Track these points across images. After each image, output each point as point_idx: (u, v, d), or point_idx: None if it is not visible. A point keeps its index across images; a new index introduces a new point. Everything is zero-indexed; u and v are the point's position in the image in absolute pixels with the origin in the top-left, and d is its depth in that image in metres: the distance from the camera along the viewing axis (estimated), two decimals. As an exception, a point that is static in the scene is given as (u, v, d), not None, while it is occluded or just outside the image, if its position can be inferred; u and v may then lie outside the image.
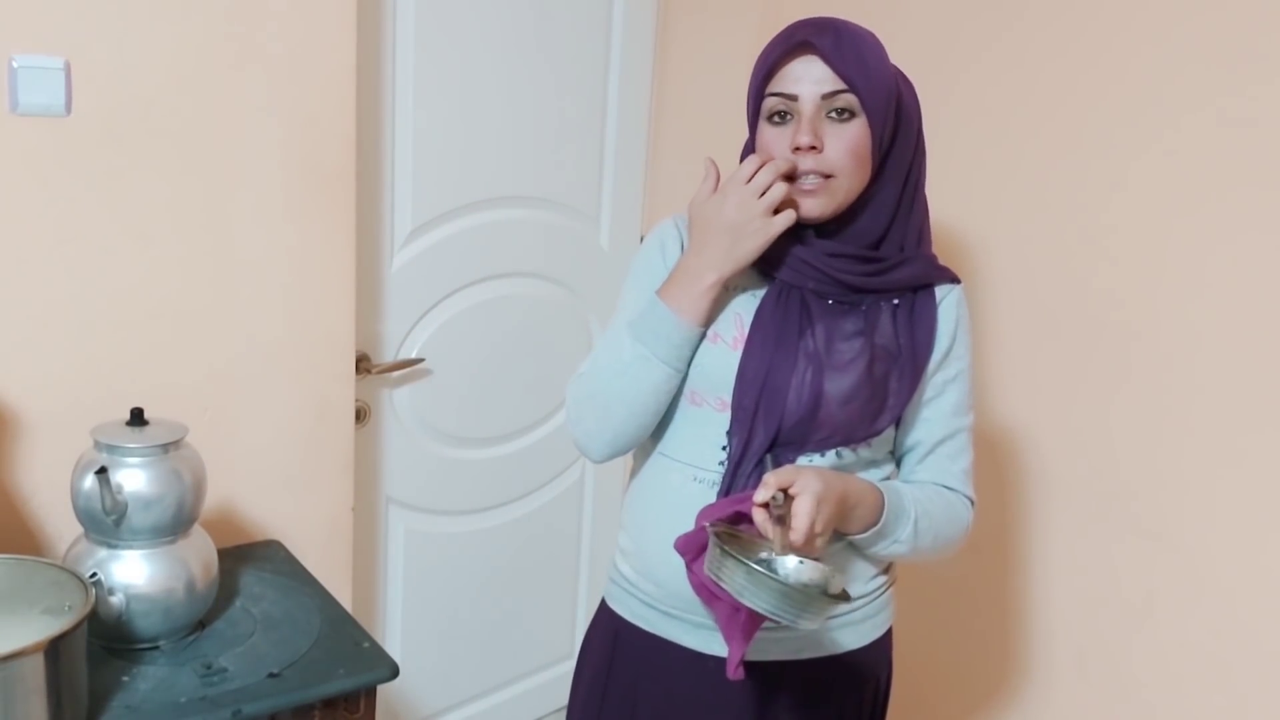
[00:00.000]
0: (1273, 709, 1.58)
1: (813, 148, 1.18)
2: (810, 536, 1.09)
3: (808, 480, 1.10)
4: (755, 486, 1.14)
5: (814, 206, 1.22)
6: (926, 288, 1.28)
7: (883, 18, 1.44)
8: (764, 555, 1.11)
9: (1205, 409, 1.61)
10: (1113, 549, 1.75)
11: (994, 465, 1.87)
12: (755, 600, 1.02)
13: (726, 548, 1.05)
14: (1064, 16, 1.74)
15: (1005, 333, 1.86)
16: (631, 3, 2.16)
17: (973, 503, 1.33)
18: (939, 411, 1.29)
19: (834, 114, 1.19)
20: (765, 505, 1.10)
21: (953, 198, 1.87)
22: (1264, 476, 1.56)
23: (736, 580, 1.03)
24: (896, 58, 1.25)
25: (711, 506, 1.22)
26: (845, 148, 1.19)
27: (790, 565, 1.10)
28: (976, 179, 1.87)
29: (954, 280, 1.31)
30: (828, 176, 1.20)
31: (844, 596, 1.07)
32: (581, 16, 2.09)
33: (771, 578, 1.02)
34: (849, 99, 1.18)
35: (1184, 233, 1.61)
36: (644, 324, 1.25)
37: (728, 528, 1.16)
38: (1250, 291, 1.55)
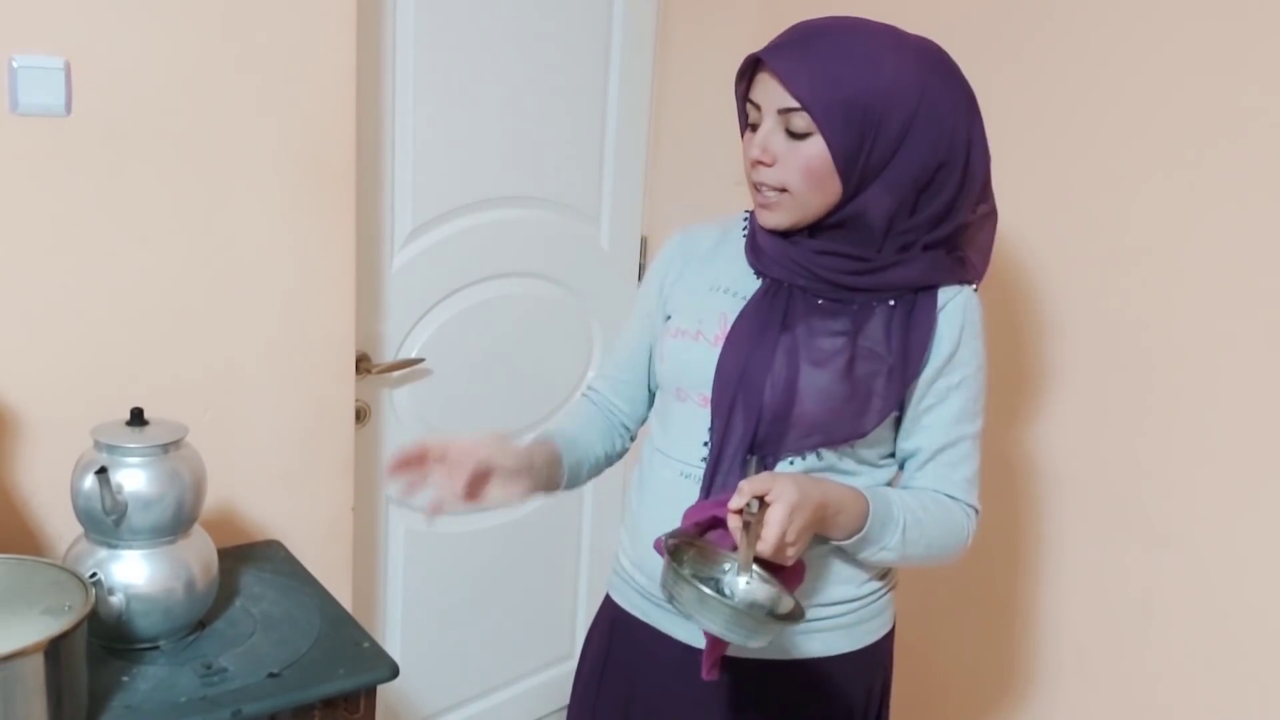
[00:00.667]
0: (1273, 709, 1.58)
1: (761, 162, 1.19)
2: (780, 545, 1.07)
3: (783, 488, 1.08)
4: (735, 487, 1.13)
5: (770, 219, 1.23)
6: (929, 289, 1.24)
7: (888, 16, 1.43)
8: (726, 566, 1.11)
9: (1210, 412, 1.61)
10: (1117, 551, 1.75)
11: (1000, 467, 1.87)
12: (702, 620, 1.02)
13: (677, 566, 1.04)
14: (1075, 23, 1.73)
15: (1008, 333, 1.86)
16: (631, 3, 2.16)
17: (976, 511, 1.30)
18: (940, 418, 1.26)
19: (789, 130, 1.18)
20: (740, 512, 1.09)
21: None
22: (1267, 479, 1.56)
23: (685, 599, 1.02)
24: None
25: (692, 510, 1.21)
26: (796, 167, 1.18)
27: (740, 586, 1.08)
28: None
29: (964, 282, 1.26)
30: (781, 191, 1.20)
31: (794, 616, 1.06)
32: (581, 17, 2.09)
33: (718, 599, 1.01)
34: (802, 118, 1.16)
35: (1198, 238, 1.60)
36: None
37: (689, 537, 1.15)
38: (1261, 298, 1.54)
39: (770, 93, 1.18)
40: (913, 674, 1.93)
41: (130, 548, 1.31)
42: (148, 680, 1.28)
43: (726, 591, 1.08)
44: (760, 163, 1.19)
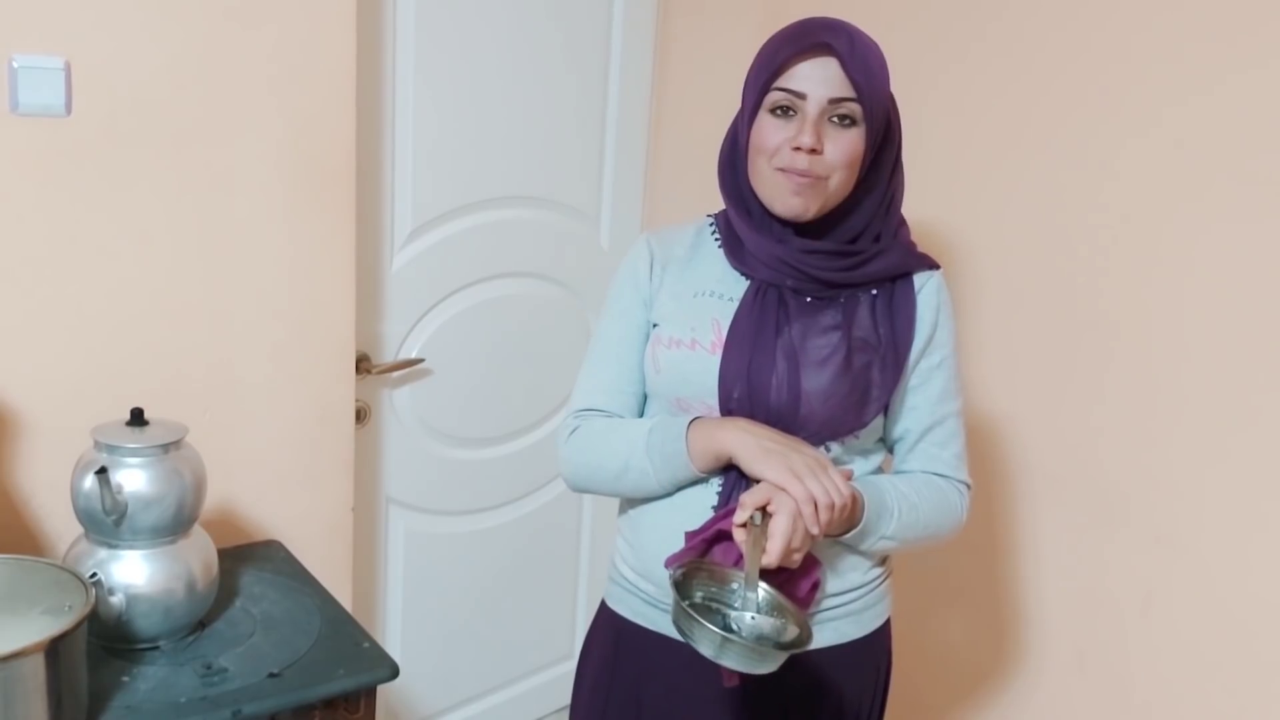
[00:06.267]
0: (1271, 707, 1.58)
1: (814, 150, 1.19)
2: (787, 553, 1.12)
3: (782, 499, 1.13)
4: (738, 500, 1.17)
5: (799, 206, 1.23)
6: (905, 276, 1.29)
7: (870, 14, 1.44)
8: (734, 586, 1.15)
9: (1199, 406, 1.61)
10: (1109, 547, 1.75)
11: (987, 462, 1.87)
12: (717, 657, 1.05)
13: (684, 605, 1.07)
14: (1047, 10, 1.74)
15: (997, 329, 1.86)
16: (631, 3, 2.16)
17: (969, 486, 1.34)
18: (925, 399, 1.30)
19: (836, 119, 1.20)
20: (744, 525, 1.13)
21: (942, 193, 1.87)
22: (1259, 474, 1.56)
23: (697, 637, 1.06)
24: (897, 58, 1.25)
25: (694, 533, 1.23)
26: (842, 154, 1.21)
27: (746, 620, 1.13)
28: (966, 174, 1.87)
29: (933, 267, 1.32)
30: (820, 178, 1.21)
31: (798, 643, 1.10)
32: (581, 16, 2.09)
33: (725, 636, 1.05)
34: (853, 107, 1.19)
35: (1174, 228, 1.61)
36: (660, 443, 1.26)
37: (695, 561, 1.19)
38: (1242, 287, 1.55)
39: (823, 80, 1.19)
40: (906, 667, 1.93)
41: (130, 548, 1.31)
42: (148, 680, 1.28)
43: (734, 626, 1.12)
44: (813, 150, 1.20)
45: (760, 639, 1.11)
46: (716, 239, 1.35)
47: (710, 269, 1.33)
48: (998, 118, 1.84)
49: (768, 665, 1.06)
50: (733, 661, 1.05)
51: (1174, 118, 1.61)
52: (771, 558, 1.11)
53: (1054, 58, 1.75)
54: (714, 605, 1.15)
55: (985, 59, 1.85)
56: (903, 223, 1.33)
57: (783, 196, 1.23)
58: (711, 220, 1.38)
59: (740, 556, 1.15)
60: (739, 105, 1.29)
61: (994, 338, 1.87)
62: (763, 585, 1.13)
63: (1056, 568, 1.83)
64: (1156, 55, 1.62)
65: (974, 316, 1.88)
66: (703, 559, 1.21)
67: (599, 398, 1.35)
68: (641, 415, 1.37)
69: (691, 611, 1.06)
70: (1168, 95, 1.61)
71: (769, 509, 1.13)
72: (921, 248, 1.34)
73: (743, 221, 1.29)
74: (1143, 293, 1.67)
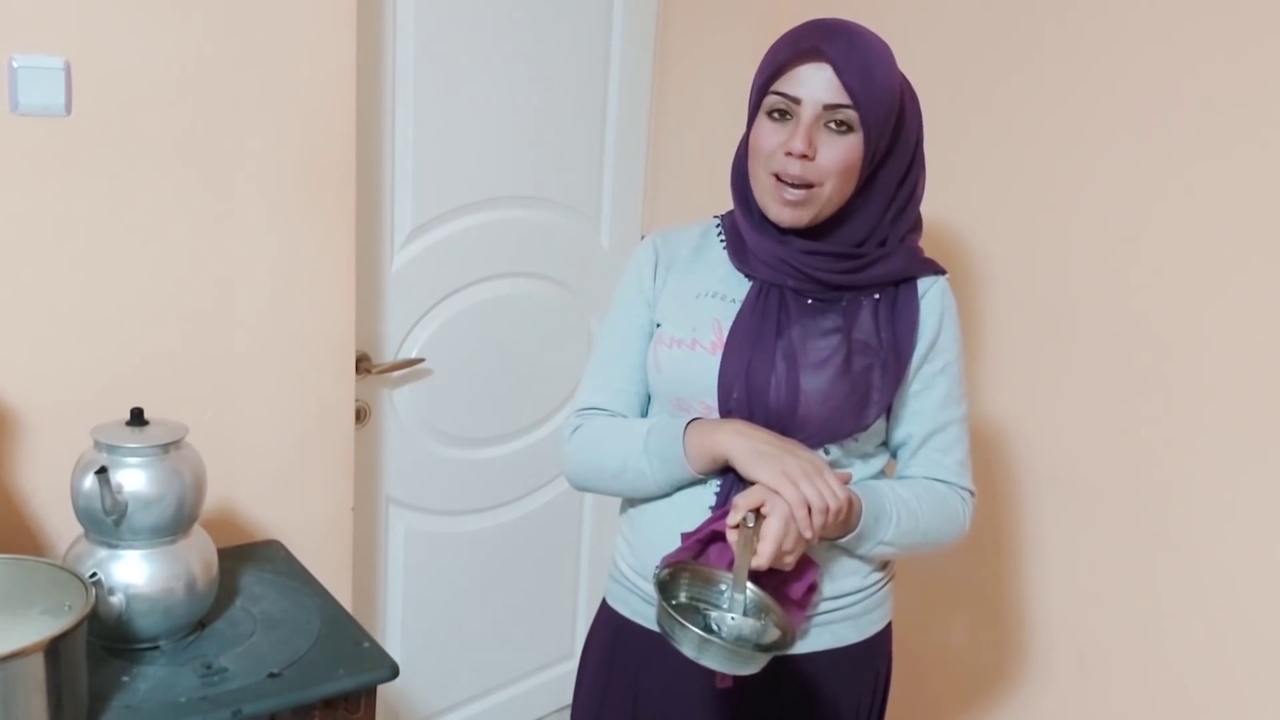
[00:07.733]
0: (1273, 708, 1.58)
1: (805, 155, 1.19)
2: (778, 556, 1.11)
3: (776, 501, 1.12)
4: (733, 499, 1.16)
5: (792, 216, 1.23)
6: (909, 281, 1.28)
7: (887, 18, 1.44)
8: (721, 587, 1.15)
9: (1206, 409, 1.61)
10: (1114, 551, 1.75)
11: (992, 464, 1.87)
12: (697, 656, 1.05)
13: (666, 604, 1.07)
14: (1068, 17, 1.73)
15: (1008, 331, 1.86)
16: (631, 3, 2.16)
17: (972, 494, 1.33)
18: (928, 404, 1.29)
19: (832, 125, 1.19)
20: (737, 527, 1.12)
21: (956, 196, 1.87)
22: (1265, 476, 1.56)
23: (678, 637, 1.06)
24: (901, 59, 1.24)
25: (689, 534, 1.23)
26: (836, 160, 1.20)
27: (728, 621, 1.12)
28: (980, 177, 1.87)
29: (938, 272, 1.31)
30: (812, 186, 1.21)
31: (779, 646, 1.10)
32: (581, 17, 2.09)
33: (705, 637, 1.05)
34: (849, 114, 1.18)
35: (1189, 232, 1.61)
36: (657, 444, 1.26)
37: (683, 563, 1.19)
38: (1252, 290, 1.55)
39: (817, 86, 1.18)
40: (908, 668, 1.93)
41: (130, 548, 1.31)
42: (148, 680, 1.28)
43: (715, 627, 1.12)
44: (804, 156, 1.19)
45: (740, 640, 1.10)
46: (721, 240, 1.35)
47: (714, 270, 1.33)
48: (1008, 120, 1.84)
49: (750, 667, 1.06)
50: (713, 662, 1.05)
51: (1179, 118, 1.61)
52: (762, 559, 1.10)
53: (1066, 61, 1.74)
54: (700, 606, 1.14)
55: (998, 62, 1.85)
56: (916, 228, 1.31)
57: (774, 204, 1.23)
58: (718, 221, 1.38)
59: (732, 560, 1.14)
60: (742, 108, 1.28)
61: (998, 339, 1.87)
62: (750, 587, 1.13)
63: (1061, 571, 1.83)
64: (1158, 57, 1.62)
65: (979, 318, 1.88)
66: (696, 560, 1.21)
67: (602, 397, 1.36)
68: (645, 415, 1.37)
69: (673, 611, 1.06)
70: (1173, 95, 1.61)
71: (762, 511, 1.12)
72: (928, 252, 1.33)
73: (745, 221, 1.29)
74: (1151, 294, 1.66)
